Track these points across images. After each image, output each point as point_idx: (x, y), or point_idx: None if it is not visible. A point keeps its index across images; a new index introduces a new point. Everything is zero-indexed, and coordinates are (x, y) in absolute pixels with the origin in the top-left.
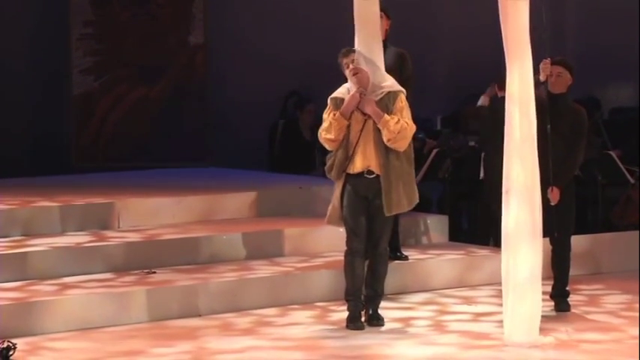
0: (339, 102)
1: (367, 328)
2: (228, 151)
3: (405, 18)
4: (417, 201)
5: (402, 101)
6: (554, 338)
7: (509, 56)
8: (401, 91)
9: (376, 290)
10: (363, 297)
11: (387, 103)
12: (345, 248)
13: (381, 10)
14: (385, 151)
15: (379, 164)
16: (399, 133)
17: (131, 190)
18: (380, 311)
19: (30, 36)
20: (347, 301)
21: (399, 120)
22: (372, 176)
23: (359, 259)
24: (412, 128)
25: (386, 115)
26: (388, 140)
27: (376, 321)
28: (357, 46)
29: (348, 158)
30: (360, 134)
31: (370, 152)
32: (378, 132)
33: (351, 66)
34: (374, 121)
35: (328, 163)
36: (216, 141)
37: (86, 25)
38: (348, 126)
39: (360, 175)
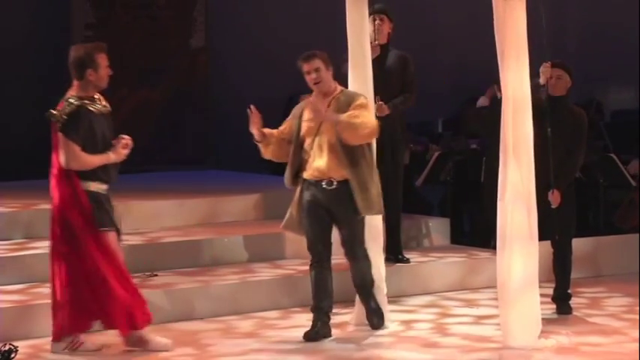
0: (295, 110)
1: (369, 331)
2: (231, 154)
3: (407, 21)
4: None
5: (363, 104)
6: (555, 341)
7: (504, 59)
8: (359, 96)
9: (364, 285)
10: (327, 309)
11: (344, 106)
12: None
13: (384, 13)
14: (350, 156)
15: (343, 171)
16: (350, 123)
17: (133, 193)
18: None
19: (31, 39)
20: (314, 313)
21: (357, 108)
22: (331, 187)
23: (323, 270)
24: (372, 124)
25: (342, 117)
26: (340, 130)
27: (376, 319)
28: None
29: (301, 165)
30: (314, 142)
31: (330, 160)
32: (335, 136)
33: (313, 75)
34: (328, 127)
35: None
36: (218, 144)
37: (87, 27)
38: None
39: (318, 183)
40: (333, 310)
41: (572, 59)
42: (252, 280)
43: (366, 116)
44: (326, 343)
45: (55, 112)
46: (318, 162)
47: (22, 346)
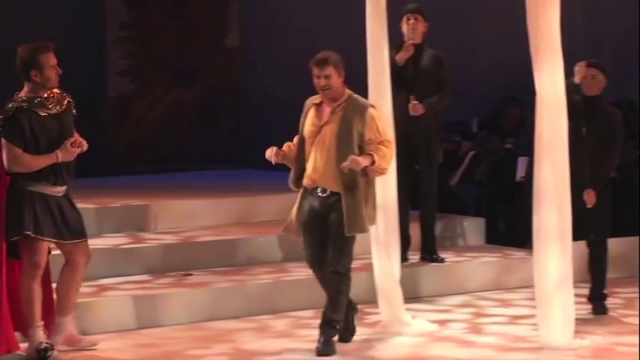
0: (304, 108)
1: (403, 331)
2: (265, 153)
3: (442, 20)
4: (375, 223)
5: (375, 117)
6: (591, 341)
7: (537, 59)
8: (370, 105)
9: (329, 317)
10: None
11: (350, 115)
12: None
13: (418, 12)
14: (348, 173)
15: (337, 182)
16: (388, 164)
17: (167, 193)
18: (416, 314)
19: (66, 38)
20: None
21: (382, 144)
22: (324, 195)
23: (319, 272)
24: (392, 148)
25: (374, 159)
26: (370, 173)
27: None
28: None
29: (302, 171)
30: (312, 147)
31: (326, 169)
32: (335, 147)
33: (322, 81)
34: (328, 135)
35: None
36: (252, 143)
37: (122, 27)
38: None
39: (314, 191)
40: (366, 311)
41: (606, 58)
42: (286, 280)
43: (386, 142)
44: (359, 344)
45: None
46: (314, 170)
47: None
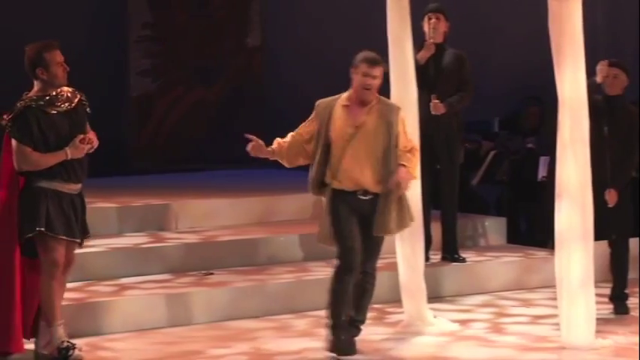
0: (322, 105)
1: (424, 330)
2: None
3: (464, 20)
4: (408, 225)
5: (404, 120)
6: (612, 341)
7: (559, 58)
8: (399, 108)
9: (353, 317)
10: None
11: (385, 116)
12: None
13: (440, 11)
14: (385, 172)
15: (377, 184)
16: (416, 172)
17: (188, 192)
18: (438, 313)
19: (88, 38)
20: (332, 326)
21: (412, 152)
22: (366, 197)
23: (350, 282)
24: (418, 153)
25: (409, 168)
26: None
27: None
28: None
29: (328, 174)
30: (346, 149)
31: (367, 171)
32: (375, 148)
33: (369, 80)
34: (367, 136)
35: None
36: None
37: (144, 27)
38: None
39: (352, 194)
40: (387, 310)
41: (628, 58)
42: (307, 279)
43: (414, 149)
44: (380, 343)
45: (4, 118)
46: (354, 173)
47: (79, 343)
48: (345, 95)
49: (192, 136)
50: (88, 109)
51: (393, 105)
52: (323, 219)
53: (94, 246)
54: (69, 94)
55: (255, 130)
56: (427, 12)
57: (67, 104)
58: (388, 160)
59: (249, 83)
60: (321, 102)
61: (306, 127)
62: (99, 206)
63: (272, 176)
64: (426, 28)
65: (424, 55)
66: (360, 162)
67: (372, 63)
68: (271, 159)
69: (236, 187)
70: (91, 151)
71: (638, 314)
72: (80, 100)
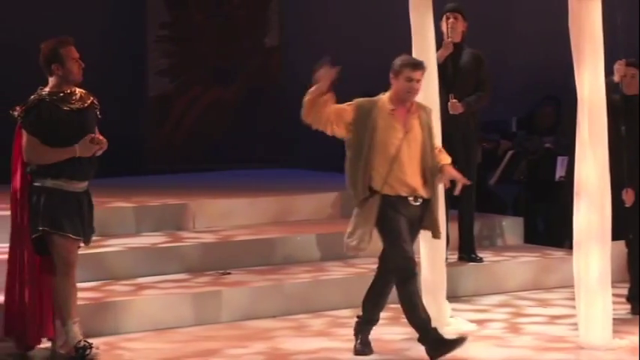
0: (363, 106)
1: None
2: (303, 153)
3: (482, 19)
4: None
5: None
6: (629, 341)
7: (579, 57)
8: (431, 109)
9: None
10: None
11: (425, 120)
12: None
13: (458, 11)
14: (431, 174)
15: (427, 189)
16: None
17: (206, 191)
18: (455, 313)
19: (106, 37)
20: (364, 325)
21: (442, 152)
22: (418, 203)
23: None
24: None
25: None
26: None
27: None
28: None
29: (376, 180)
30: (398, 154)
31: (418, 176)
32: (424, 153)
33: (415, 85)
34: (417, 141)
35: (349, 187)
36: (290, 142)
37: (162, 27)
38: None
39: (404, 199)
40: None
41: None
42: (324, 279)
43: (441, 149)
44: (398, 343)
45: (17, 110)
46: (407, 178)
47: (97, 342)
48: (384, 99)
49: (209, 136)
50: (98, 113)
51: (427, 106)
52: (361, 227)
53: (111, 245)
54: (82, 95)
55: (272, 129)
56: (445, 11)
57: (79, 103)
58: (431, 162)
59: (266, 83)
60: (361, 103)
61: (343, 114)
62: (116, 206)
63: (289, 176)
64: (444, 27)
65: (442, 54)
66: (412, 166)
67: (415, 67)
68: (317, 97)
69: (253, 187)
70: (99, 153)
71: None
72: (92, 102)
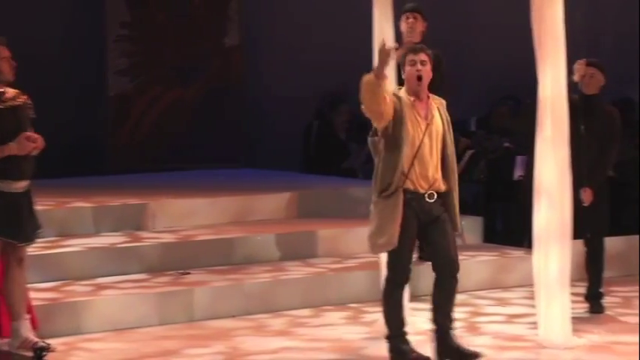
0: (396, 102)
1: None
2: (263, 153)
3: (441, 18)
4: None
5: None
6: (587, 340)
7: (541, 56)
8: (444, 101)
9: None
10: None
11: (442, 111)
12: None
13: (417, 11)
14: (452, 165)
15: (444, 183)
16: None
17: (166, 191)
18: (413, 312)
19: (65, 37)
20: (393, 342)
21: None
22: (432, 200)
23: (402, 293)
24: None
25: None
26: None
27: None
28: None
29: (397, 175)
30: (421, 147)
31: (438, 172)
32: (443, 147)
33: (418, 67)
34: (437, 136)
35: (377, 182)
36: (251, 142)
37: (122, 26)
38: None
39: (421, 196)
40: (363, 309)
41: (605, 57)
42: (284, 279)
43: None
44: (358, 342)
45: None
46: (429, 172)
47: (55, 343)
48: (403, 91)
49: (170, 136)
50: (31, 113)
51: (441, 99)
52: (389, 223)
53: (70, 245)
54: (14, 94)
55: (233, 129)
56: (405, 11)
57: (11, 102)
58: (451, 154)
59: (228, 83)
60: (394, 91)
61: (389, 100)
62: (76, 206)
63: (249, 176)
64: (403, 27)
65: (401, 54)
66: (433, 159)
67: (414, 50)
68: (378, 77)
69: (213, 187)
70: (35, 152)
71: (612, 313)
72: (25, 101)
